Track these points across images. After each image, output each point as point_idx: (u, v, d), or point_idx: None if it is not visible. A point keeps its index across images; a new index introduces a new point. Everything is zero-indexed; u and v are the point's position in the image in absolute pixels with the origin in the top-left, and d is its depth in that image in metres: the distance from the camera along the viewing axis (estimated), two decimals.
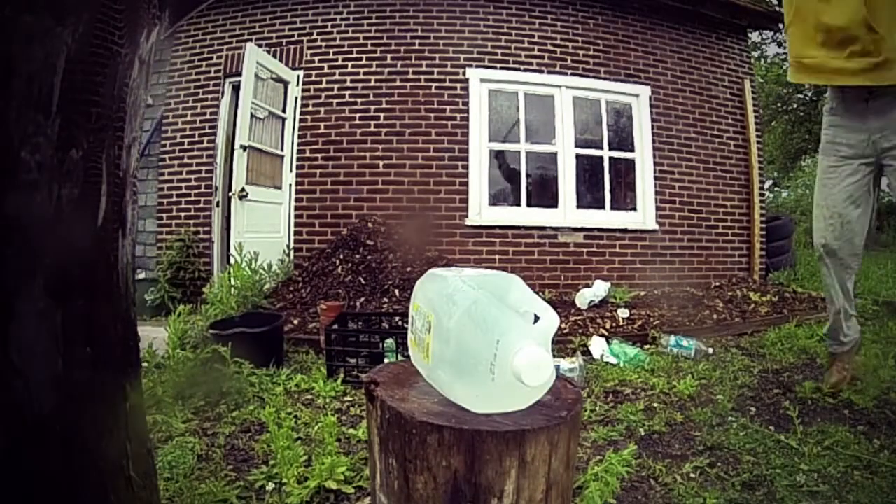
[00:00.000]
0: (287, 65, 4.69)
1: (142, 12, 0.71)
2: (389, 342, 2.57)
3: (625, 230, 4.87)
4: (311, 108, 4.68)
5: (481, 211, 4.64)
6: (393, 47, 4.68)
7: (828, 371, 2.30)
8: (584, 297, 3.99)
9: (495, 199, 4.78)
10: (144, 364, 2.33)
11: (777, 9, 5.76)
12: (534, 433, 0.64)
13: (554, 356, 2.78)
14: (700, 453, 1.76)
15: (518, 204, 4.81)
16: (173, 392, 2.14)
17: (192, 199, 4.81)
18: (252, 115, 4.20)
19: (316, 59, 4.72)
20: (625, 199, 5.07)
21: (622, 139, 5.08)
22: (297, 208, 4.64)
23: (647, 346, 3.12)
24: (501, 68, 4.77)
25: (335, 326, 2.70)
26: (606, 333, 3.27)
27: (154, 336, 2.61)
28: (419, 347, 0.75)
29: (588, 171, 4.98)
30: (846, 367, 2.24)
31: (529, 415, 0.67)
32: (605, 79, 4.96)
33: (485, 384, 0.64)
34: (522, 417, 0.67)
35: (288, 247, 4.58)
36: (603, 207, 4.96)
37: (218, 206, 4.76)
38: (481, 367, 0.64)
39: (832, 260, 2.13)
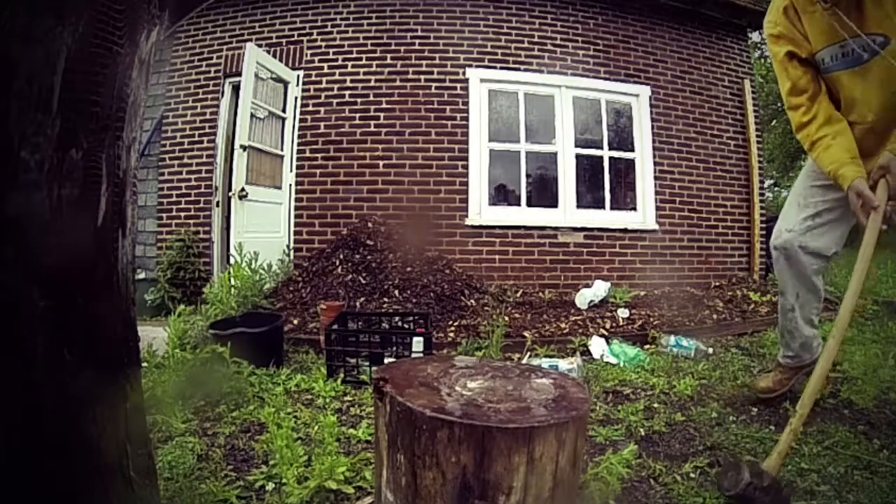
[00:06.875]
0: (287, 65, 4.69)
1: (142, 12, 0.71)
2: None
3: (625, 230, 4.87)
4: (311, 108, 4.68)
5: (481, 211, 4.64)
6: (393, 47, 4.68)
7: (764, 375, 2.23)
8: (583, 297, 3.99)
9: (495, 199, 4.78)
10: (144, 364, 2.33)
11: None
12: (542, 430, 0.64)
13: (553, 356, 2.78)
14: (700, 453, 1.76)
15: (518, 204, 4.81)
16: (173, 392, 2.14)
17: (192, 199, 4.81)
18: (252, 115, 4.20)
19: (316, 59, 4.72)
20: (625, 199, 5.07)
21: (622, 139, 5.08)
22: (297, 208, 4.64)
23: (647, 346, 3.12)
24: (501, 68, 4.76)
25: (335, 326, 2.70)
26: (606, 333, 3.27)
27: (154, 336, 2.60)
28: None
29: (588, 171, 4.98)
30: (786, 381, 2.13)
31: (539, 412, 0.67)
32: (605, 79, 4.95)
33: None
34: (532, 415, 0.66)
35: (288, 247, 4.58)
36: (603, 207, 4.96)
37: (218, 206, 4.76)
38: None
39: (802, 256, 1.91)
